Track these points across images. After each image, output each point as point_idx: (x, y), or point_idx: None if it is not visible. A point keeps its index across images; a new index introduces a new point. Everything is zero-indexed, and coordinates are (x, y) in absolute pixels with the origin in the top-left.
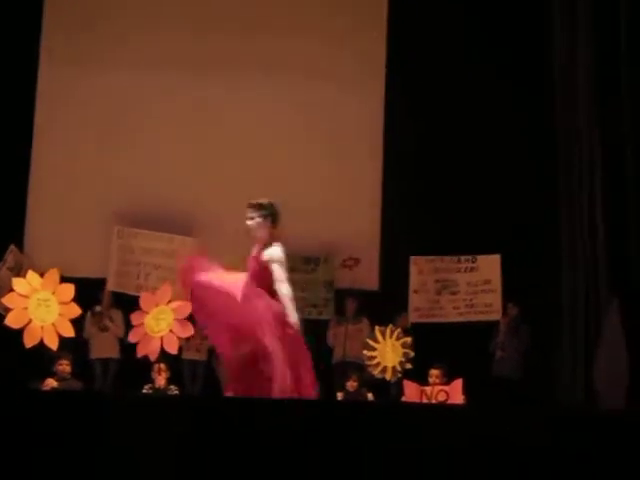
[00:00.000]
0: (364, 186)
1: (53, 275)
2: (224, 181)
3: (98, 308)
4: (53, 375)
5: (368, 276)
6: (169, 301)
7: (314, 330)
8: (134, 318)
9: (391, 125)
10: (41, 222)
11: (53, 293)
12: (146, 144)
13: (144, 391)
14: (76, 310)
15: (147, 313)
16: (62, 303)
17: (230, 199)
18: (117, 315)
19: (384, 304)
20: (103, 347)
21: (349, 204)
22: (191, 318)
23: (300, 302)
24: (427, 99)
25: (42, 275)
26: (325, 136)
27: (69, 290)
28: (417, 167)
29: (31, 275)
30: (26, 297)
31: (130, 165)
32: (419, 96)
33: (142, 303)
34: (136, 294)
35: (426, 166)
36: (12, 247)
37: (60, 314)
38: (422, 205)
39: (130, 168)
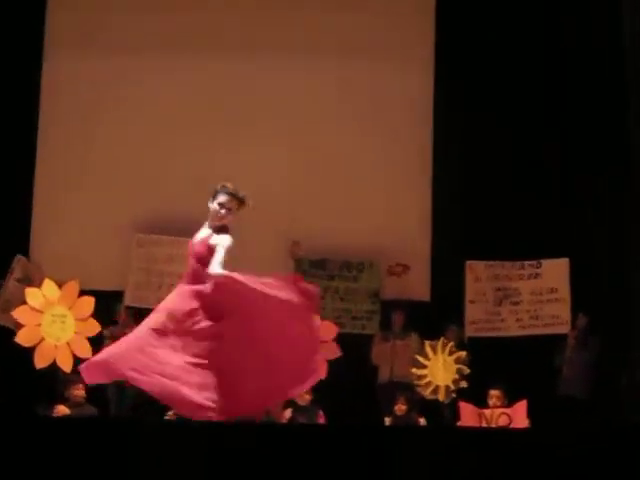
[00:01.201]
0: (413, 183)
1: (71, 288)
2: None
3: (110, 330)
4: (65, 401)
5: (418, 285)
6: None
7: (356, 346)
8: None
9: (441, 116)
10: (47, 230)
11: (70, 308)
12: (160, 143)
13: (167, 417)
14: (94, 327)
15: None
16: (79, 319)
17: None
18: None
19: (436, 316)
20: None
21: (397, 203)
22: None
23: (340, 314)
24: (480, 87)
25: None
26: (371, 128)
27: (88, 305)
28: (471, 160)
29: (48, 285)
30: (40, 312)
31: (144, 167)
32: (471, 83)
33: None
34: None
35: (481, 158)
36: (19, 257)
37: (76, 332)
38: (477, 203)
39: (144, 170)
